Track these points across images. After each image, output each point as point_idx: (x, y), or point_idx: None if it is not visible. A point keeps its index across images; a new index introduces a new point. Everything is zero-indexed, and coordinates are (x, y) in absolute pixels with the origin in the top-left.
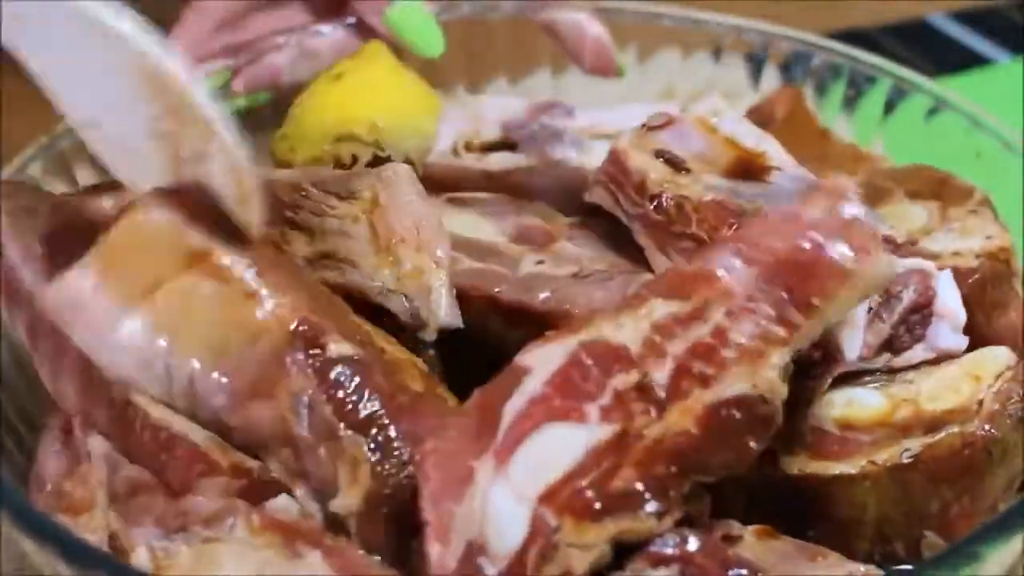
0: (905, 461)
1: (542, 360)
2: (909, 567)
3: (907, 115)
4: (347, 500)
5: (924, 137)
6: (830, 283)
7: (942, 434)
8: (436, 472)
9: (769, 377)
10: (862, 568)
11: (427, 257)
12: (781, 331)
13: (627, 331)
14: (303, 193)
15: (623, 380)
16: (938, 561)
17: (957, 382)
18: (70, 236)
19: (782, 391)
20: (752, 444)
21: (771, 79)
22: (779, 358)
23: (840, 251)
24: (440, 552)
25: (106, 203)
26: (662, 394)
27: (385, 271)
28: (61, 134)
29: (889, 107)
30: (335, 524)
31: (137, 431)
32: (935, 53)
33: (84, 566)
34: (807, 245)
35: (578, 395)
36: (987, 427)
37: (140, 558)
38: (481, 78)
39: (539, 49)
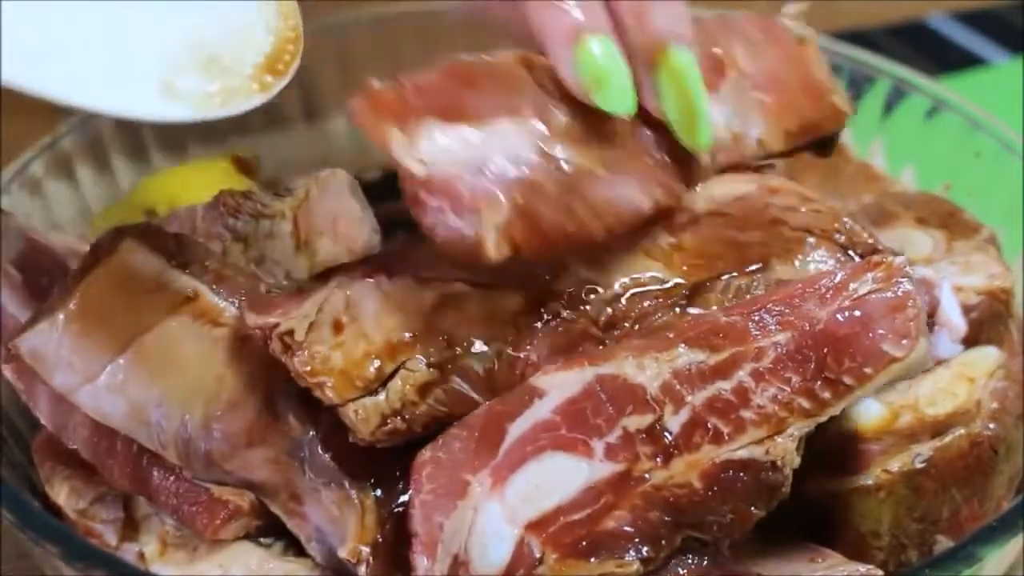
0: (918, 467)
1: (557, 386)
2: (910, 568)
3: (907, 115)
4: (356, 547)
5: (924, 137)
6: (867, 365)
7: (950, 437)
8: (429, 483)
9: (785, 446)
10: (861, 568)
11: (343, 248)
12: (806, 404)
13: (648, 372)
14: (248, 194)
15: (635, 421)
16: (939, 562)
17: (952, 385)
18: (44, 275)
19: (794, 461)
20: (753, 510)
21: None
22: (798, 429)
23: (883, 334)
24: (427, 566)
25: (75, 242)
26: (672, 442)
27: (301, 264)
28: (62, 134)
29: (889, 107)
30: (340, 569)
31: (156, 483)
32: (935, 53)
33: (84, 566)
34: (849, 321)
35: (586, 428)
36: (992, 426)
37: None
38: None
39: None
